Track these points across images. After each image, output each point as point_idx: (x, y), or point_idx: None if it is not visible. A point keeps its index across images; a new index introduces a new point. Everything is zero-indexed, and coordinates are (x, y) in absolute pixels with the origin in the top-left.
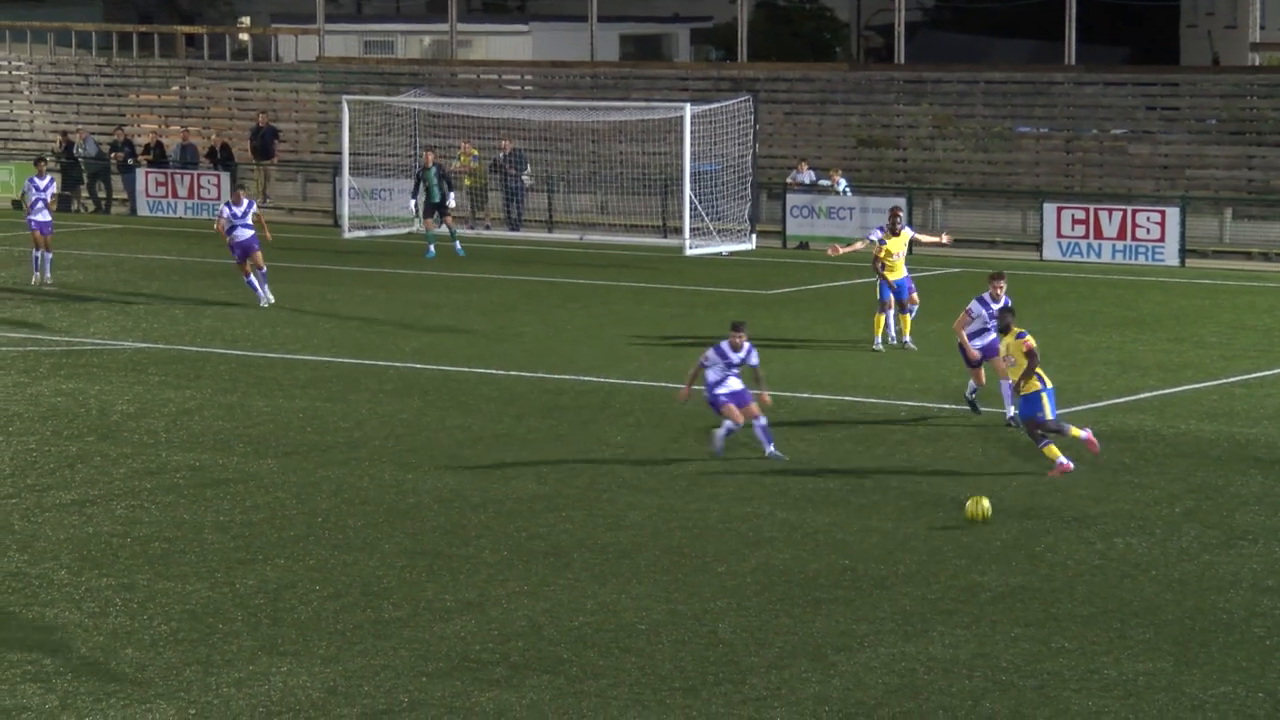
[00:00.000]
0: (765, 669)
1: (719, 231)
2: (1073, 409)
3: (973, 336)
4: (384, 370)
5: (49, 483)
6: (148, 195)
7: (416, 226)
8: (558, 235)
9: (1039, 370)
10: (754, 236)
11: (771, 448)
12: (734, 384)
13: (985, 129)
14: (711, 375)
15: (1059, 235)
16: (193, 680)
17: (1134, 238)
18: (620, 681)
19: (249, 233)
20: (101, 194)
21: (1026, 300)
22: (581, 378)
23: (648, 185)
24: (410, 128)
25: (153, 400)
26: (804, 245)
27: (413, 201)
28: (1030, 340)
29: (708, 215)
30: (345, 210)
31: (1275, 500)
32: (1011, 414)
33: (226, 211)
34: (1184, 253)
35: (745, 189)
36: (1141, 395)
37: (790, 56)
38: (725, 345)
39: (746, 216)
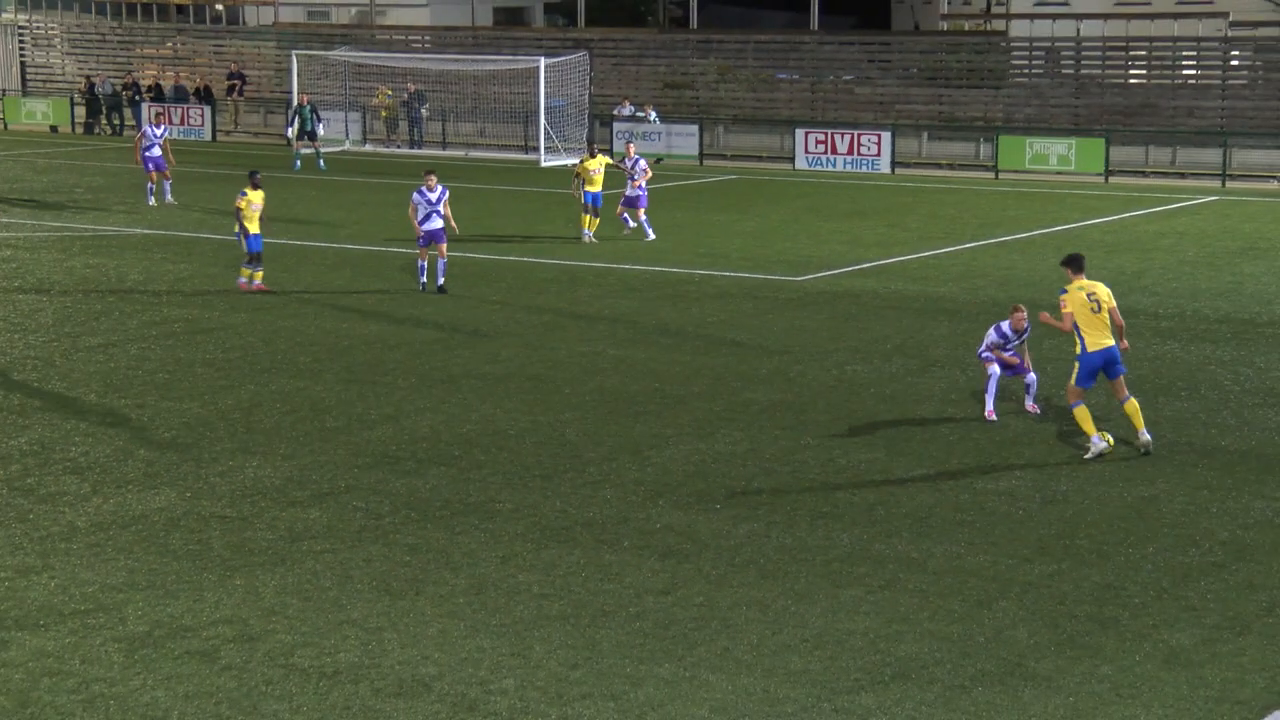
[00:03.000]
0: (600, 461)
1: (564, 149)
2: (815, 274)
3: (423, 220)
4: (324, 250)
5: (80, 330)
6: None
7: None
8: (449, 152)
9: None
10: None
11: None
12: (434, 223)
13: (754, 76)
14: (419, 213)
15: (806, 151)
16: (189, 472)
17: (859, 153)
18: (496, 471)
19: (160, 153)
20: (116, 121)
21: (783, 198)
22: (468, 255)
23: (514, 116)
24: (342, 74)
25: (157, 271)
26: None
27: (290, 129)
28: (257, 198)
29: (556, 138)
30: (292, 135)
31: (957, 338)
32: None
33: (149, 130)
34: (894, 164)
35: (583, 119)
36: (864, 265)
37: (617, 23)
38: (423, 188)
39: (584, 139)
